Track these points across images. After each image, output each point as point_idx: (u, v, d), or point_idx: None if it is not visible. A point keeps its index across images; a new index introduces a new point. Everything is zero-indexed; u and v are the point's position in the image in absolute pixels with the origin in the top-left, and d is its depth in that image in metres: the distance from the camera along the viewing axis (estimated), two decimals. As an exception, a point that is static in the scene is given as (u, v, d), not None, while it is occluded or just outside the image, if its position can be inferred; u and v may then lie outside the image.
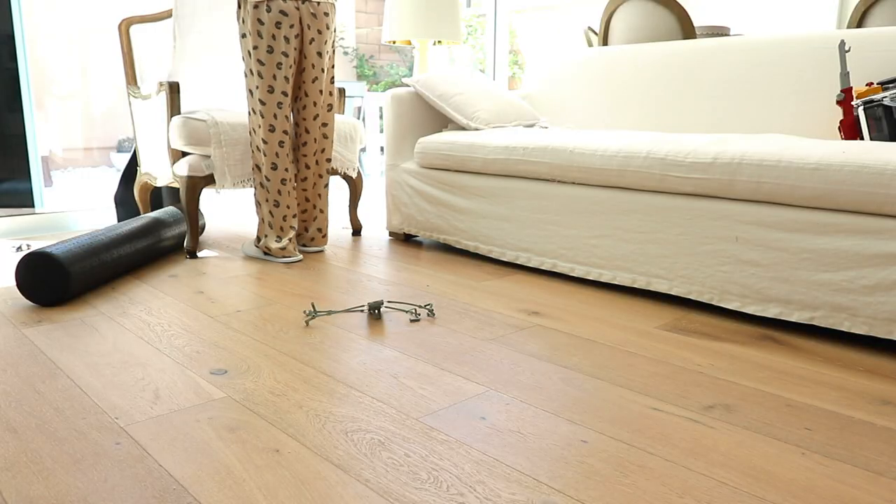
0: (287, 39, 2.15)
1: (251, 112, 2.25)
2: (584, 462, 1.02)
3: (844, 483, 0.97)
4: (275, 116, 2.21)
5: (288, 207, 2.30)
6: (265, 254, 2.35)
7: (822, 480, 0.98)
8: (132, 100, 2.71)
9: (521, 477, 0.98)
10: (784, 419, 1.17)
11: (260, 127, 2.23)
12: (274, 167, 2.25)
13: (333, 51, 2.32)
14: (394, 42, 3.36)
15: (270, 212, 2.29)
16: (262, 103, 2.20)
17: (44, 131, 5.94)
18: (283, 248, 2.31)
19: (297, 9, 2.15)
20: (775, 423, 1.16)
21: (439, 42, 3.41)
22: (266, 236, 2.32)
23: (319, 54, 2.23)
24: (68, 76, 6.12)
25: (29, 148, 2.96)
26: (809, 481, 0.97)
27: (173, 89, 2.36)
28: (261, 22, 2.12)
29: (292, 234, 2.33)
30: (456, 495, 0.93)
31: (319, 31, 2.21)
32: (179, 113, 2.38)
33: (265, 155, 2.24)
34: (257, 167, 2.28)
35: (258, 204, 2.32)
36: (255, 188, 2.31)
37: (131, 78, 2.73)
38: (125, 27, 2.70)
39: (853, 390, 1.30)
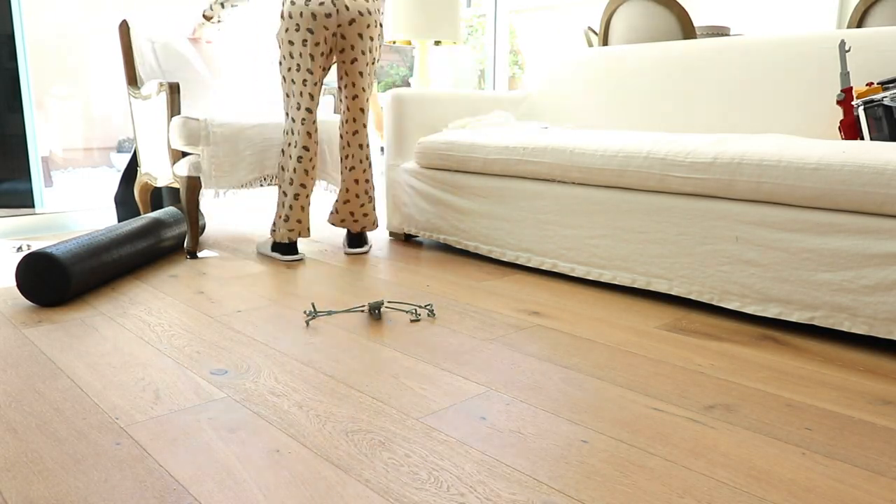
0: (325, 16, 2.14)
1: (286, 95, 2.26)
2: (585, 462, 1.02)
3: (845, 483, 0.97)
4: (309, 96, 2.23)
5: (307, 198, 2.28)
6: (272, 249, 2.34)
7: (822, 480, 0.98)
8: (132, 100, 2.71)
9: (521, 477, 0.98)
10: (784, 419, 1.17)
11: (295, 108, 2.24)
12: (306, 148, 2.24)
13: (381, 42, 2.30)
14: (394, 42, 3.36)
15: (290, 193, 2.26)
16: (293, 82, 2.23)
17: (44, 131, 5.94)
18: (291, 231, 2.28)
19: None
20: (776, 423, 1.16)
21: (439, 42, 3.41)
22: (284, 219, 2.28)
23: (360, 36, 2.21)
24: (68, 76, 6.12)
25: (29, 148, 2.96)
26: (810, 481, 0.97)
27: (173, 89, 2.36)
28: (292, 2, 2.14)
29: (303, 228, 2.30)
30: (456, 495, 0.93)
31: (360, 13, 2.19)
32: (179, 113, 2.38)
33: (297, 134, 2.24)
34: (282, 151, 2.30)
35: (281, 192, 2.30)
36: (278, 174, 2.31)
37: (131, 78, 2.73)
38: (125, 27, 2.70)
39: (853, 390, 1.30)
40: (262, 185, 2.45)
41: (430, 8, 3.19)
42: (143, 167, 2.72)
